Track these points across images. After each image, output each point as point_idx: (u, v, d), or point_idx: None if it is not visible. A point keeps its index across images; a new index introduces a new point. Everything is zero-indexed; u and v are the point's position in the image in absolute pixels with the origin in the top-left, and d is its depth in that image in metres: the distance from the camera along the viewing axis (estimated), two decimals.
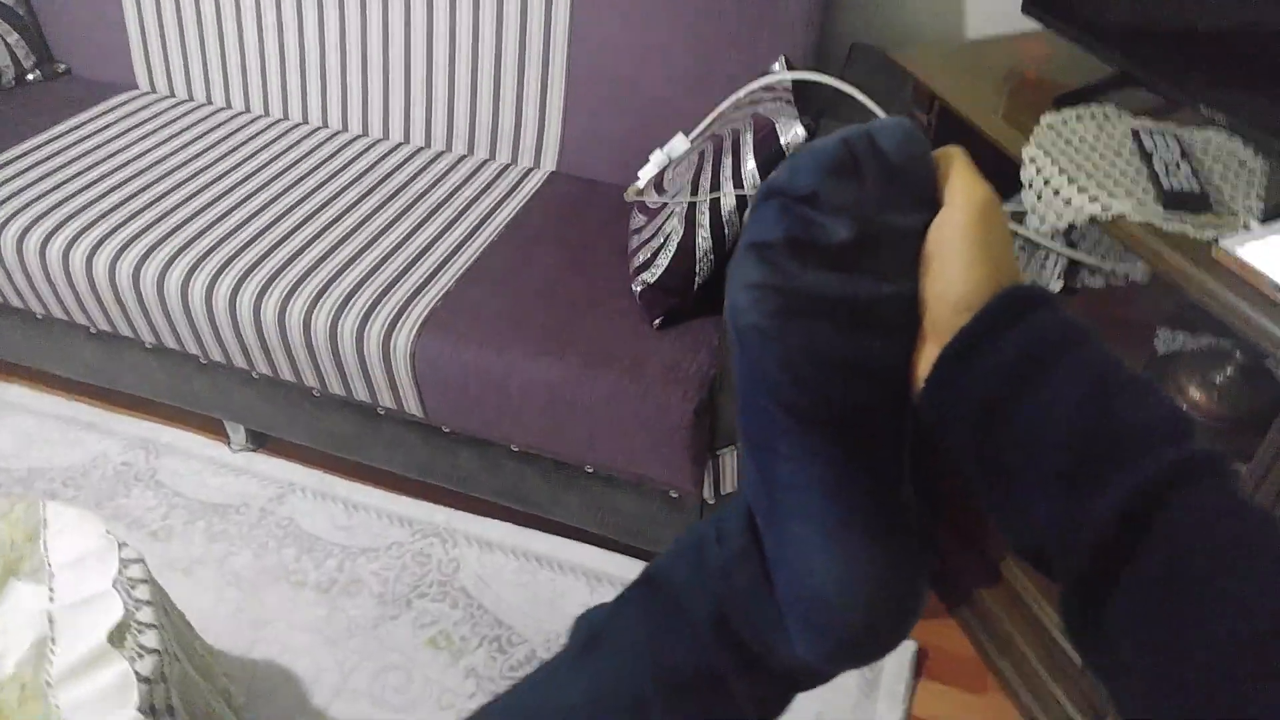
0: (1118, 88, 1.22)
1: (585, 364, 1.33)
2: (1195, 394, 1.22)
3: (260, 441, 1.80)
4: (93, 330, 1.67)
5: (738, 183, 1.30)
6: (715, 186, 1.32)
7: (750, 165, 1.29)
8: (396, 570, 1.57)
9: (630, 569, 1.55)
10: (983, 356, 0.40)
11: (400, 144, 1.82)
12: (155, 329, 1.57)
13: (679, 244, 1.34)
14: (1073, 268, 1.20)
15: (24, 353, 1.81)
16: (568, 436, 1.38)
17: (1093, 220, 1.03)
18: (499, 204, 1.66)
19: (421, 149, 1.81)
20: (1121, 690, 0.37)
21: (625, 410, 1.31)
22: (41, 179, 1.67)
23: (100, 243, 1.53)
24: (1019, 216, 1.17)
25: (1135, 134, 1.13)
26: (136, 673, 1.02)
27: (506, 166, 1.77)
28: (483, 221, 1.61)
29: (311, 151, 1.79)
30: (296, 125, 1.87)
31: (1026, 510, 0.39)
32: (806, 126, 1.24)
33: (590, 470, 1.45)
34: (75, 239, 1.54)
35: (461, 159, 1.78)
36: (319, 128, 1.87)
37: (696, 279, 1.35)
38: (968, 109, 1.23)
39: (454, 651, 1.45)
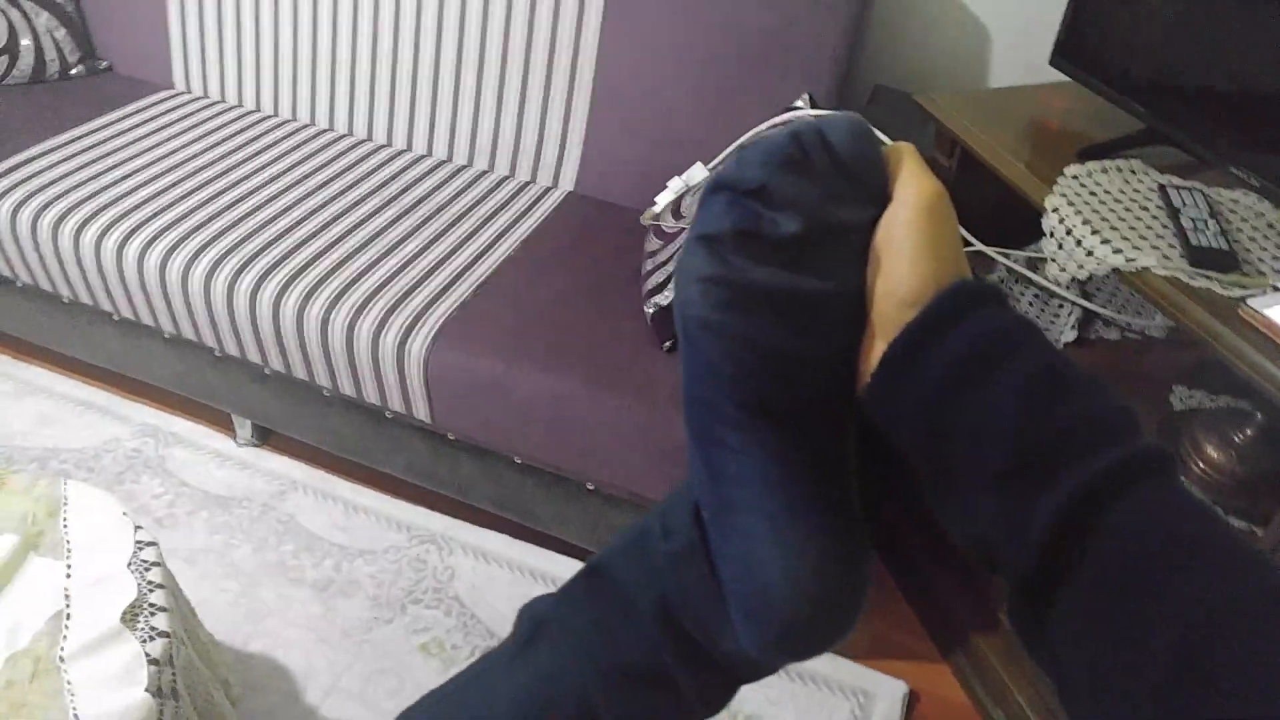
0: (1144, 144, 1.25)
1: (593, 382, 1.37)
2: (1213, 453, 1.23)
3: (265, 437, 1.84)
4: (115, 318, 1.71)
5: None
6: None
7: None
8: (392, 574, 1.61)
9: None
10: (927, 353, 0.40)
11: (423, 156, 1.88)
12: (175, 320, 1.61)
13: None
14: (1087, 318, 1.24)
15: (48, 335, 1.86)
16: (571, 452, 1.43)
17: (1116, 272, 1.06)
18: (516, 220, 1.72)
19: (444, 162, 1.87)
20: (1066, 688, 0.37)
21: (631, 430, 1.36)
22: (79, 169, 1.72)
23: (131, 234, 1.58)
24: (1035, 264, 1.21)
25: (1162, 189, 1.16)
26: (147, 654, 1.06)
27: (525, 184, 1.83)
28: (500, 236, 1.67)
29: (337, 158, 1.84)
30: (323, 131, 1.93)
31: (972, 508, 0.39)
32: None
33: (591, 487, 1.49)
34: (108, 229, 1.59)
35: (481, 174, 1.84)
36: (344, 135, 1.93)
37: None
38: (990, 155, 1.27)
39: (445, 659, 1.49)
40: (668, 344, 1.44)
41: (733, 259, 0.41)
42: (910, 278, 0.41)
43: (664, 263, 1.46)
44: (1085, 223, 1.11)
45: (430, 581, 1.60)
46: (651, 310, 1.44)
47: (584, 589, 0.50)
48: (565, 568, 1.63)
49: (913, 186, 0.42)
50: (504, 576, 1.61)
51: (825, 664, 1.51)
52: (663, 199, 1.70)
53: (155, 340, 1.72)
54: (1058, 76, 1.37)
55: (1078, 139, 1.29)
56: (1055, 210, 1.15)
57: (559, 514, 1.55)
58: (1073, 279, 1.11)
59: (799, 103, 1.59)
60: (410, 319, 1.46)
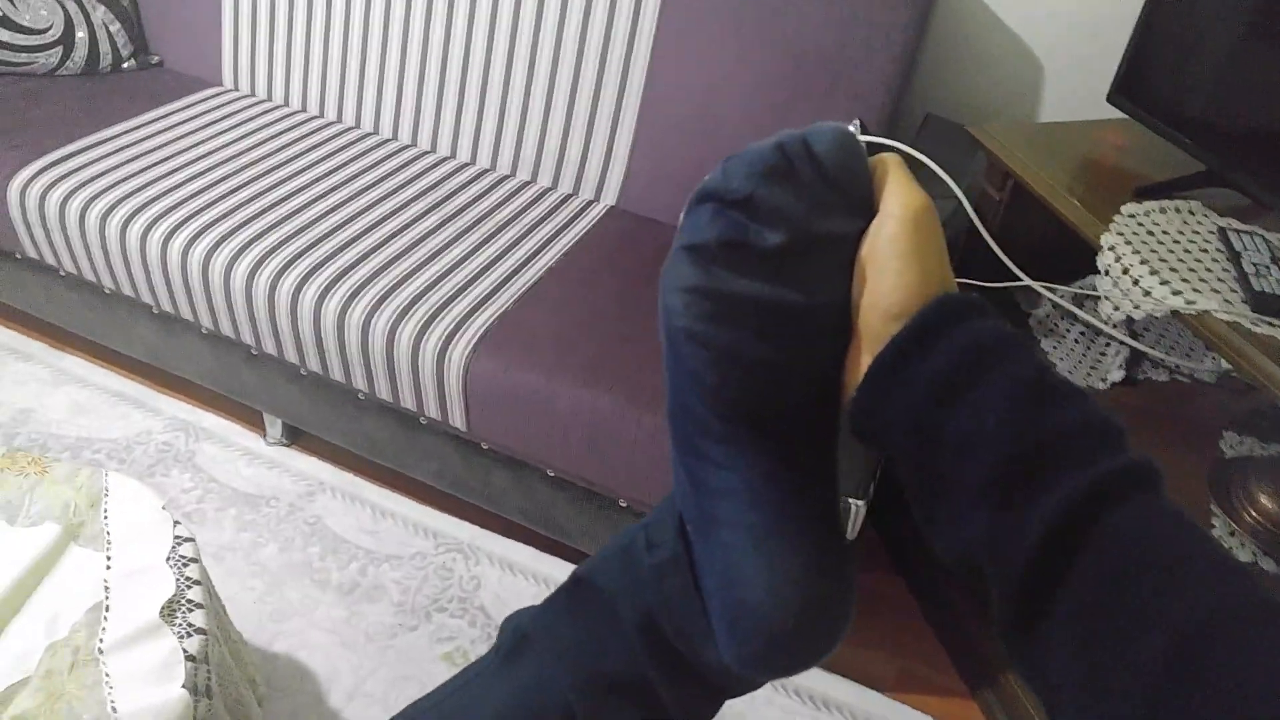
0: (1203, 185, 1.24)
1: (631, 400, 1.37)
2: (1266, 502, 1.22)
3: (294, 436, 1.84)
4: (154, 311, 1.72)
5: None
6: None
7: None
8: (418, 581, 1.60)
9: None
10: (914, 365, 0.39)
11: (466, 164, 1.89)
12: (214, 316, 1.62)
13: None
14: (1135, 358, 1.23)
15: (86, 325, 1.87)
16: (606, 469, 1.42)
17: (1174, 314, 1.05)
18: (558, 233, 1.72)
19: (486, 171, 1.87)
20: (1053, 698, 0.37)
21: (668, 451, 1.35)
22: (128, 162, 1.73)
23: (176, 229, 1.59)
24: (1081, 300, 1.21)
25: (1223, 232, 1.15)
26: (184, 650, 1.06)
27: (567, 197, 1.83)
28: (541, 248, 1.67)
29: (381, 162, 1.85)
30: (368, 135, 1.94)
31: (960, 520, 0.38)
32: None
33: (624, 504, 1.49)
34: (154, 223, 1.60)
35: (524, 185, 1.84)
36: (389, 139, 1.94)
37: None
38: (1044, 189, 1.26)
39: None
40: None
41: (717, 270, 0.41)
42: (896, 290, 0.40)
43: None
44: (1143, 263, 1.10)
45: (456, 590, 1.59)
46: None
47: (567, 600, 0.50)
48: None
49: (899, 198, 0.41)
50: (530, 589, 1.61)
51: (852, 695, 1.49)
52: None
53: (192, 335, 1.73)
54: (1112, 113, 1.37)
55: (1134, 177, 1.28)
56: (1112, 248, 1.15)
57: (589, 530, 1.55)
58: (1128, 318, 1.11)
59: (850, 127, 1.59)
60: (451, 327, 1.46)
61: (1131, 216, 1.19)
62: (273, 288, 1.53)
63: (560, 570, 1.64)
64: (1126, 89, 1.32)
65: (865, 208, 0.42)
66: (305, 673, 1.45)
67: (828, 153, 0.42)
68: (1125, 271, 1.12)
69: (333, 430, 1.72)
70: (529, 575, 1.63)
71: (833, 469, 0.44)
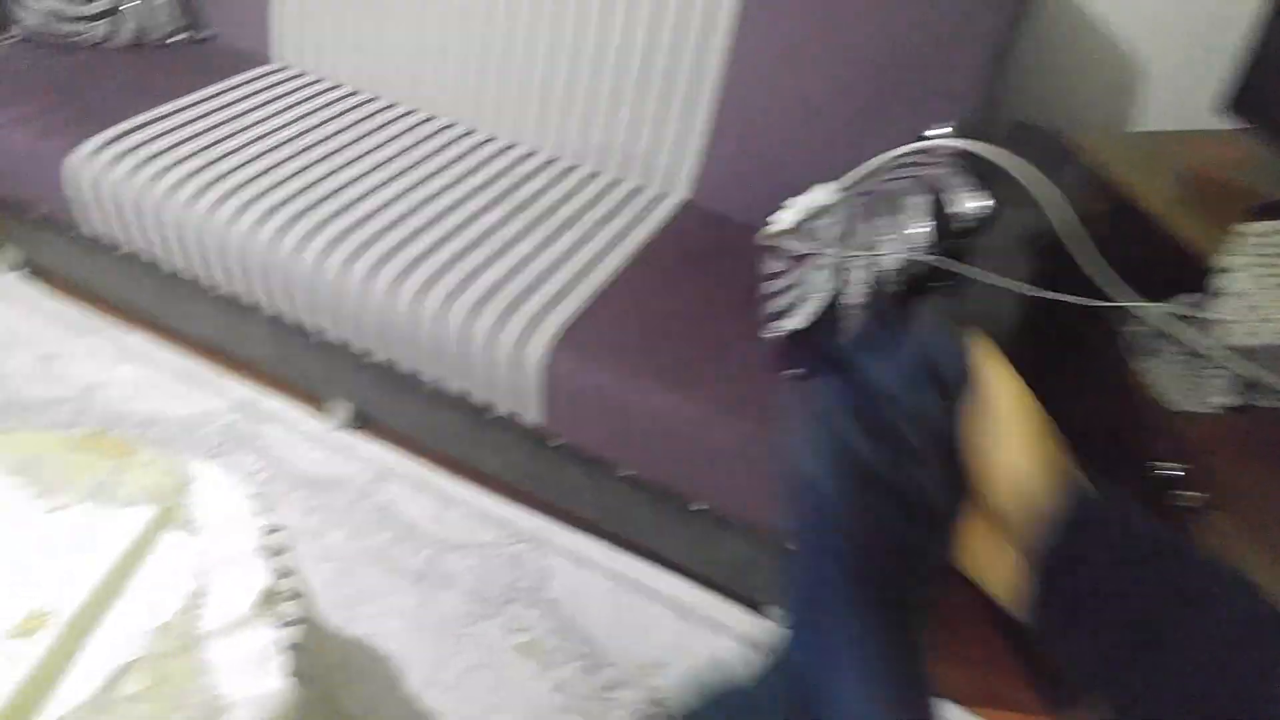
0: None
1: (717, 406, 1.35)
2: None
3: (360, 422, 1.83)
4: (217, 292, 1.71)
5: (900, 244, 1.33)
6: (873, 245, 1.35)
7: (916, 229, 1.32)
8: (488, 570, 1.59)
9: (721, 611, 1.57)
10: (1075, 573, 0.42)
11: (532, 152, 1.86)
12: (280, 300, 1.60)
13: (826, 297, 1.37)
14: (1242, 381, 1.20)
15: (149, 303, 1.86)
16: (685, 472, 1.41)
17: None
18: (629, 228, 1.69)
19: (553, 160, 1.84)
20: None
21: (752, 459, 1.33)
22: (191, 139, 1.72)
23: (245, 207, 1.58)
24: (1192, 320, 1.18)
25: None
26: (283, 640, 1.05)
27: (635, 190, 1.80)
28: (613, 243, 1.64)
29: (445, 147, 1.83)
30: (429, 119, 1.91)
31: None
32: (985, 200, 1.26)
33: (701, 508, 1.47)
34: (221, 200, 1.58)
35: (592, 176, 1.81)
36: (451, 124, 1.91)
37: (839, 335, 1.38)
38: (1148, 202, 1.23)
39: (543, 662, 1.47)
40: (791, 371, 1.42)
41: (855, 441, 0.45)
42: (1017, 471, 0.44)
43: (788, 287, 1.44)
44: (1265, 289, 1.08)
45: (527, 581, 1.58)
46: (774, 335, 1.42)
47: None
48: (662, 582, 1.61)
49: (1000, 386, 0.45)
50: (602, 585, 1.60)
51: None
52: (782, 219, 1.68)
53: (256, 319, 1.71)
54: (1210, 123, 1.33)
55: (1248, 194, 1.24)
56: (1231, 271, 1.12)
57: (664, 530, 1.53)
58: (1243, 345, 1.08)
59: (936, 130, 1.56)
60: (527, 321, 1.44)
61: (1252, 236, 1.16)
62: (344, 271, 1.51)
63: (632, 567, 1.63)
64: (1244, 101, 1.29)
65: (964, 384, 0.46)
66: (378, 658, 1.45)
67: (951, 371, 0.46)
68: (1243, 295, 1.09)
69: (400, 418, 1.71)
70: (600, 570, 1.62)
71: (928, 632, 0.47)
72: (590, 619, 1.54)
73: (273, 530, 1.16)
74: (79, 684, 0.94)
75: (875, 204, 1.41)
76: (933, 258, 1.31)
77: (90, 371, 1.85)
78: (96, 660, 0.97)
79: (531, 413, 1.48)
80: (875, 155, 1.58)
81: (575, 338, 1.43)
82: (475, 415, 1.59)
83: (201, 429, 1.77)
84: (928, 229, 1.31)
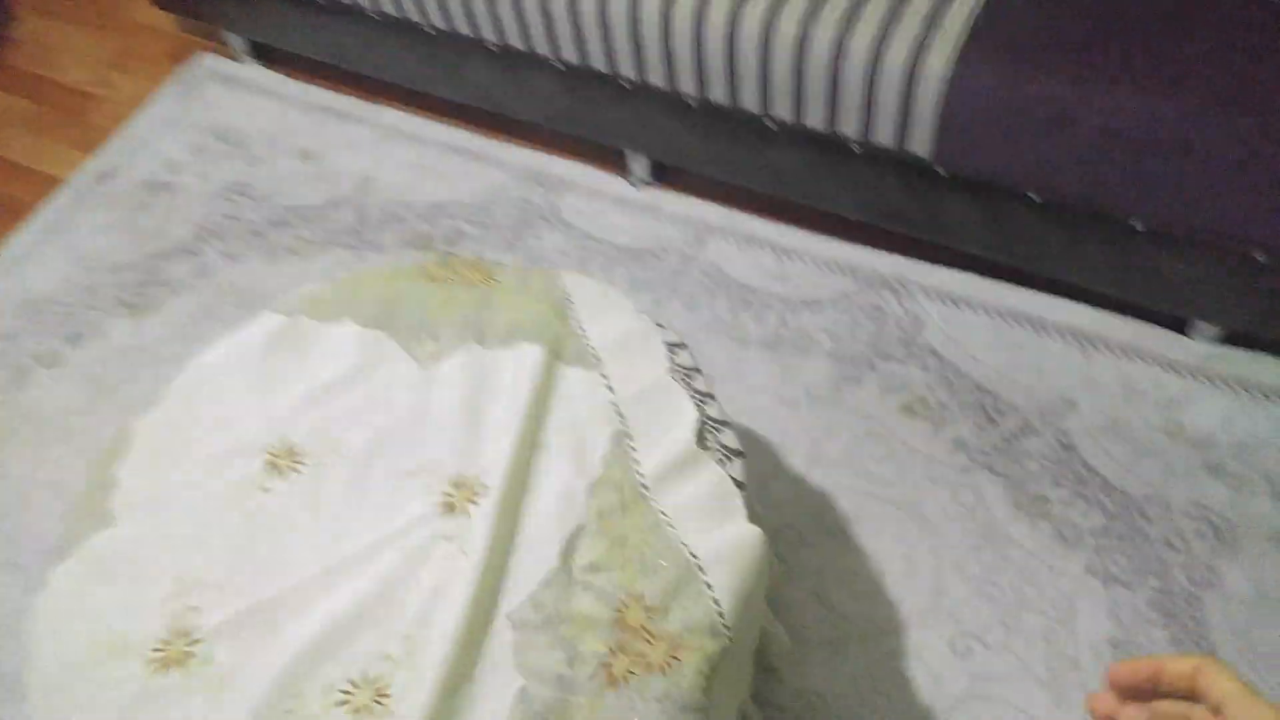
0: None
1: (1209, 101, 1.03)
2: None
3: (661, 175, 1.62)
4: (494, 47, 1.47)
5: None
6: None
7: None
8: (848, 326, 1.42)
9: (1134, 333, 1.34)
10: None
11: None
12: (577, 46, 1.35)
13: None
14: None
15: (406, 74, 1.66)
16: (1136, 186, 1.13)
17: None
18: None
19: None
20: None
21: (1240, 157, 1.03)
22: None
23: None
24: None
25: None
26: (731, 477, 0.93)
27: None
28: None
29: None
30: None
31: None
32: None
33: (1140, 229, 1.20)
34: None
35: None
36: None
37: None
38: None
39: (934, 420, 1.33)
40: None
41: None
42: None
43: None
44: None
45: (895, 332, 1.41)
46: None
47: None
48: (1055, 311, 1.38)
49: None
50: (983, 323, 1.40)
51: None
52: None
53: (542, 73, 1.48)
54: None
55: None
56: None
57: (1078, 257, 1.28)
58: None
59: None
60: (921, 28, 1.13)
61: None
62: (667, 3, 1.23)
63: (1015, 296, 1.40)
64: None
65: None
66: (754, 438, 1.35)
67: None
68: None
69: (723, 166, 1.48)
70: (977, 307, 1.41)
71: None
72: (977, 364, 1.36)
73: (676, 347, 1.02)
74: (532, 559, 0.87)
75: None
76: None
77: (357, 163, 1.71)
78: (540, 529, 0.89)
79: (918, 140, 1.21)
80: None
81: (989, 42, 1.12)
82: (830, 151, 1.34)
83: (496, 210, 1.62)
84: None
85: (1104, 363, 1.34)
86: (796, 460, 1.32)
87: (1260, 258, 1.15)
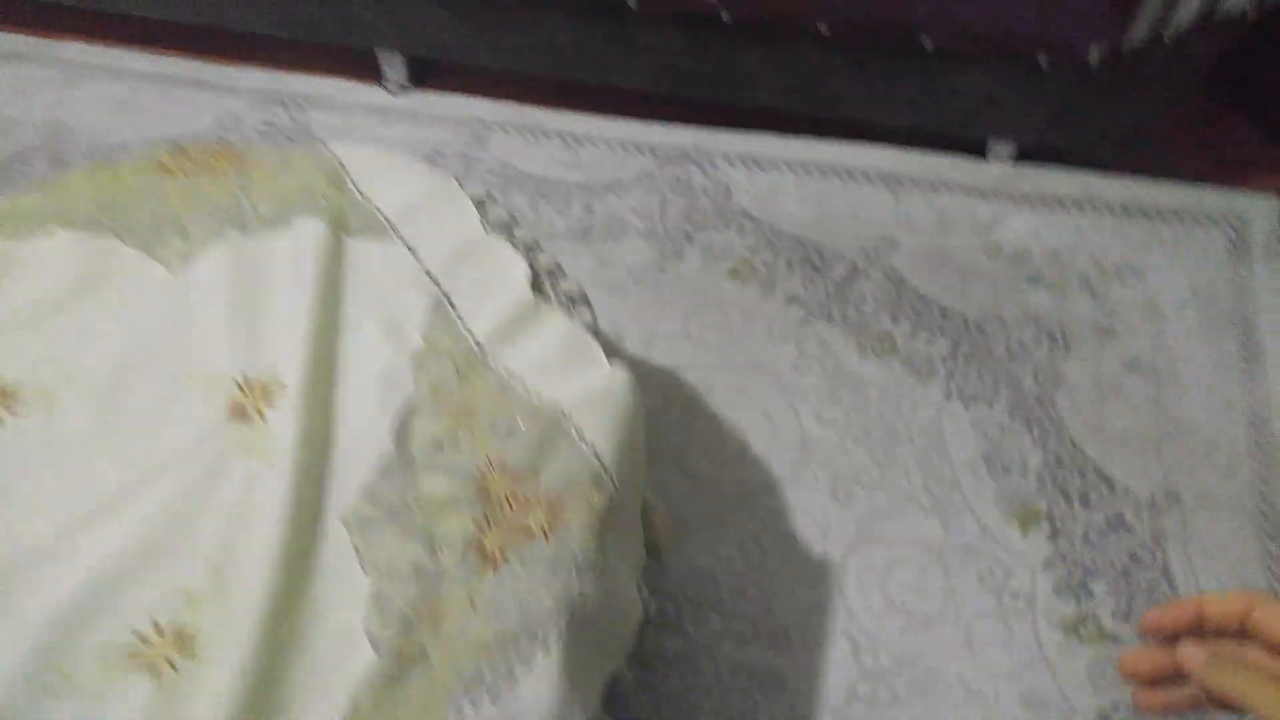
0: None
1: None
2: None
3: (420, 78, 1.44)
4: None
5: None
6: None
7: None
8: (657, 204, 1.32)
9: (940, 166, 1.33)
10: None
11: None
12: None
13: None
14: None
15: None
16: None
17: None
18: None
19: None
20: None
21: None
22: None
23: None
24: None
25: None
26: (582, 323, 0.80)
27: None
28: None
29: None
30: None
31: None
32: None
33: (929, 47, 1.16)
34: None
35: None
36: None
37: None
38: None
39: (762, 281, 1.25)
40: None
41: None
42: None
43: None
44: None
45: (706, 203, 1.32)
46: None
47: None
48: (861, 157, 1.35)
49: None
50: (791, 180, 1.34)
51: (1187, 197, 1.31)
52: None
53: None
54: None
55: None
56: None
57: (874, 92, 1.24)
58: None
59: None
60: None
61: None
62: None
63: (827, 152, 1.35)
64: None
65: None
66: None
67: None
68: None
69: (494, 53, 1.33)
70: (782, 166, 1.35)
71: None
72: (793, 219, 1.30)
73: (487, 203, 0.86)
74: (357, 451, 0.69)
75: None
76: None
77: (41, 107, 1.41)
78: (361, 418, 0.72)
79: None
80: None
81: None
82: (608, 17, 1.22)
83: (233, 139, 1.38)
84: None
85: (915, 198, 1.32)
86: (632, 344, 1.21)
87: (1043, 63, 1.16)
